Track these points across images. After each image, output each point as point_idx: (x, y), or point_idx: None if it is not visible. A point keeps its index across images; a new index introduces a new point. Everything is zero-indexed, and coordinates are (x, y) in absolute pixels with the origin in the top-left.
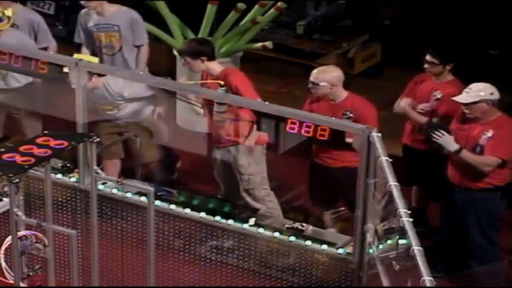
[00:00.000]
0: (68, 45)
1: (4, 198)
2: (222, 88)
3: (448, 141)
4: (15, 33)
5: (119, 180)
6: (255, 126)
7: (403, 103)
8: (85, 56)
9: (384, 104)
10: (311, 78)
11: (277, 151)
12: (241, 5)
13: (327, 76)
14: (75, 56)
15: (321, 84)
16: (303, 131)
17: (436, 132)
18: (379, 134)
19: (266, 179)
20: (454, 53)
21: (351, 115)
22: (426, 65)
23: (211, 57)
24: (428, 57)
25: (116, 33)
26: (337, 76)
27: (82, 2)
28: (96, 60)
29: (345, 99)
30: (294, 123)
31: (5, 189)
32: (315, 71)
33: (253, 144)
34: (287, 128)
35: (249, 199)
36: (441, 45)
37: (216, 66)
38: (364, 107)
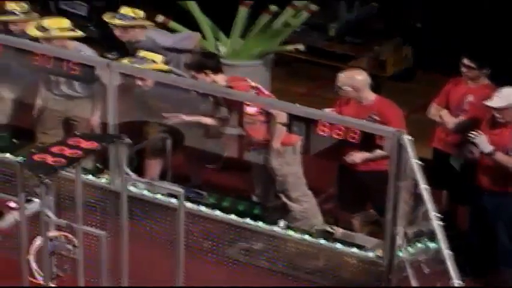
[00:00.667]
0: (99, 46)
1: (35, 199)
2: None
3: (483, 141)
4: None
5: (150, 181)
6: (283, 128)
7: (433, 110)
8: (148, 53)
9: (416, 107)
10: (336, 82)
11: (308, 153)
12: (273, 7)
13: (351, 80)
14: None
15: (344, 87)
16: (334, 133)
17: (471, 132)
18: (410, 137)
19: (302, 179)
20: (491, 58)
21: (376, 118)
22: (463, 69)
23: (216, 70)
24: (465, 61)
25: None
26: (361, 80)
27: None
28: (160, 58)
29: (372, 102)
30: (325, 126)
31: (37, 190)
32: (340, 74)
33: (279, 145)
34: (318, 131)
35: (284, 199)
36: (479, 49)
37: (221, 80)
38: (390, 110)
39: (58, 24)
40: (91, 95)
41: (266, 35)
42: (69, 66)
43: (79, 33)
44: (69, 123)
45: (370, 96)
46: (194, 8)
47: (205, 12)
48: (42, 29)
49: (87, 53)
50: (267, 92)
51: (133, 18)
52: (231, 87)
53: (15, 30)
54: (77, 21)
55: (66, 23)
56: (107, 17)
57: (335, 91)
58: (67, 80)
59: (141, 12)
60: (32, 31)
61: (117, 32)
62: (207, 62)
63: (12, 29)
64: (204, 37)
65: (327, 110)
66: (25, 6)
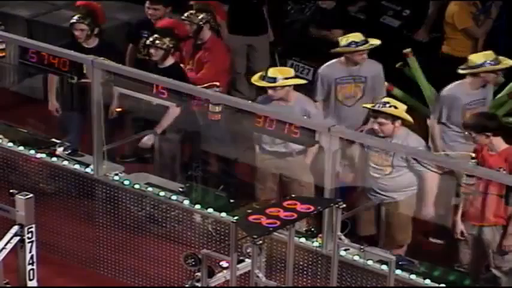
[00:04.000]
0: None
1: (246, 259)
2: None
3: None
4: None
5: (362, 247)
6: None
7: None
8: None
9: None
10: None
11: None
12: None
13: None
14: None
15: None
16: None
17: None
18: None
19: None
20: None
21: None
22: None
23: (497, 133)
24: None
25: (361, 84)
26: None
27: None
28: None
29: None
30: None
31: (248, 250)
32: None
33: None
34: None
35: (497, 273)
36: None
37: (499, 143)
38: None
39: (283, 73)
40: (303, 153)
41: (491, 106)
42: (290, 130)
43: (302, 80)
44: (283, 181)
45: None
46: (419, 75)
47: (429, 80)
48: (267, 78)
49: (309, 106)
50: None
51: (284, 78)
52: None
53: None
54: (304, 86)
55: (291, 72)
56: (254, 79)
57: None
58: (278, 140)
59: (291, 70)
60: (259, 82)
61: (269, 92)
62: (489, 123)
63: None
64: (427, 105)
65: None
66: None
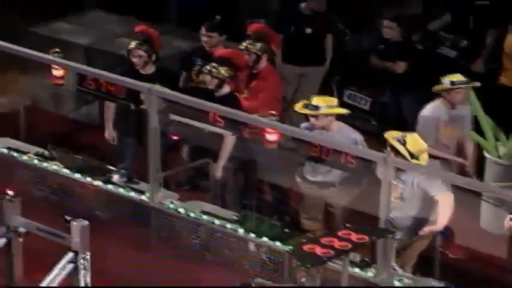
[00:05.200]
0: (378, 141)
1: None
2: None
3: None
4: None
5: (415, 277)
6: None
7: None
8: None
9: None
10: None
11: None
12: None
13: None
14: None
15: None
16: None
17: None
18: None
19: None
20: None
21: None
22: None
23: None
24: None
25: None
26: None
27: None
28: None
29: None
30: None
31: (302, 279)
32: None
33: None
34: None
35: None
36: None
37: None
38: None
39: (326, 102)
40: (345, 182)
41: None
42: (347, 159)
43: (345, 110)
44: (328, 210)
45: None
46: (476, 106)
47: (487, 112)
48: (311, 106)
49: (353, 134)
50: None
51: (327, 106)
52: None
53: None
54: (359, 115)
55: (334, 101)
56: (297, 107)
57: None
58: (331, 170)
59: (334, 99)
60: (301, 109)
61: (312, 120)
62: None
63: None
64: (484, 137)
65: None
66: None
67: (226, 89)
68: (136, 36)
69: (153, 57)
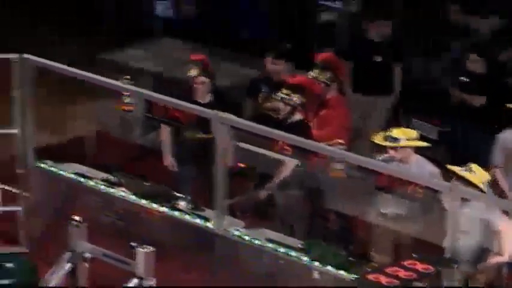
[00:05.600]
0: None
1: None
2: None
3: None
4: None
5: None
6: None
7: None
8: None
9: None
10: None
11: None
12: None
13: None
14: None
15: None
16: None
17: None
18: None
19: None
20: None
21: None
22: None
23: None
24: None
25: None
26: None
27: None
28: None
29: None
30: None
31: None
32: None
33: None
34: None
35: None
36: None
37: None
38: None
39: (406, 134)
40: (413, 214)
41: None
42: (415, 190)
43: (424, 143)
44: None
45: None
46: None
47: None
48: (390, 138)
49: (429, 166)
50: None
51: (407, 139)
52: None
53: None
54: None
55: (414, 133)
56: (377, 139)
57: None
58: (398, 200)
59: (414, 131)
60: (380, 140)
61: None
62: None
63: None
64: None
65: None
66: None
67: (297, 116)
68: (195, 63)
69: (213, 85)
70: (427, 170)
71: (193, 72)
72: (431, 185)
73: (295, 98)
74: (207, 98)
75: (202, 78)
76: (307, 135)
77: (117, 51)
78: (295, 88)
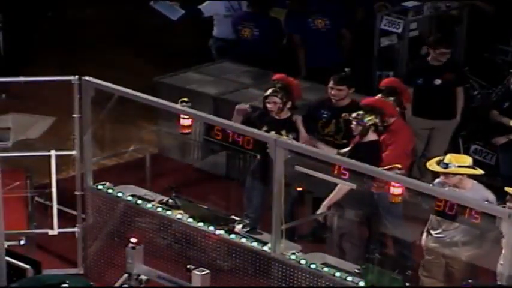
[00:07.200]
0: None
1: None
2: None
3: None
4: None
5: None
6: None
7: None
8: None
9: None
10: None
11: None
12: None
13: None
14: None
15: None
16: None
17: None
18: None
19: None
20: None
21: None
22: None
23: None
24: None
25: None
26: None
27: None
28: None
29: None
30: None
31: None
32: None
33: None
34: None
35: None
36: None
37: None
38: None
39: (458, 161)
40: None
41: None
42: (471, 215)
43: (479, 171)
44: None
45: None
46: None
47: None
48: (443, 163)
49: (485, 192)
50: None
51: (458, 166)
52: None
53: None
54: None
55: (467, 159)
56: (429, 163)
57: None
58: (450, 224)
59: (469, 158)
60: (433, 166)
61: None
62: None
63: None
64: None
65: None
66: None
67: (372, 136)
68: (274, 83)
69: (288, 104)
70: (483, 195)
71: (268, 91)
72: (488, 210)
73: (367, 119)
74: (284, 115)
75: (275, 99)
76: (377, 156)
77: (178, 75)
78: (370, 109)
